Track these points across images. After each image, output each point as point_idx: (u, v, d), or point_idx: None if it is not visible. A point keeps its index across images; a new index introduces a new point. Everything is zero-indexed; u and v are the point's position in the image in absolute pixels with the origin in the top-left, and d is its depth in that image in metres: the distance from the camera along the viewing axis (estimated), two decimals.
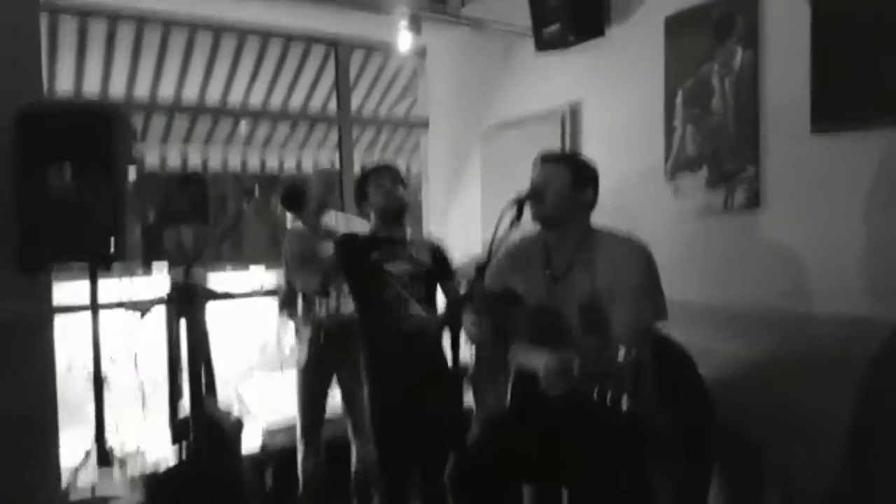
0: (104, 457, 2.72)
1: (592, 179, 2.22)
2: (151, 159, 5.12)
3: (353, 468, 3.41)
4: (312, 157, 5.77)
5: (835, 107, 2.33)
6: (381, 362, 2.81)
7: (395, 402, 2.79)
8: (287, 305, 3.61)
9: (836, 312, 2.37)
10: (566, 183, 2.14)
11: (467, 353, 2.39)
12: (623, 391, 1.53)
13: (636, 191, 3.10)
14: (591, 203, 2.22)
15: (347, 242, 2.86)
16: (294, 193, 3.08)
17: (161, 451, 3.23)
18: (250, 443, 3.46)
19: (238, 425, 2.83)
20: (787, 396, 2.51)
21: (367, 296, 2.83)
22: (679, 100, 2.94)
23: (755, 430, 2.61)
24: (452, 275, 2.88)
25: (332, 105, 5.04)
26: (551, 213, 2.15)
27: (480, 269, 1.94)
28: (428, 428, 2.70)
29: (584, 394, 1.64)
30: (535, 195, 2.11)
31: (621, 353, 1.57)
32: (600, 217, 2.26)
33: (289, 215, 3.37)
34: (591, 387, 1.62)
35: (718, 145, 2.78)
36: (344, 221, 3.51)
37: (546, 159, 2.23)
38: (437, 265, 2.86)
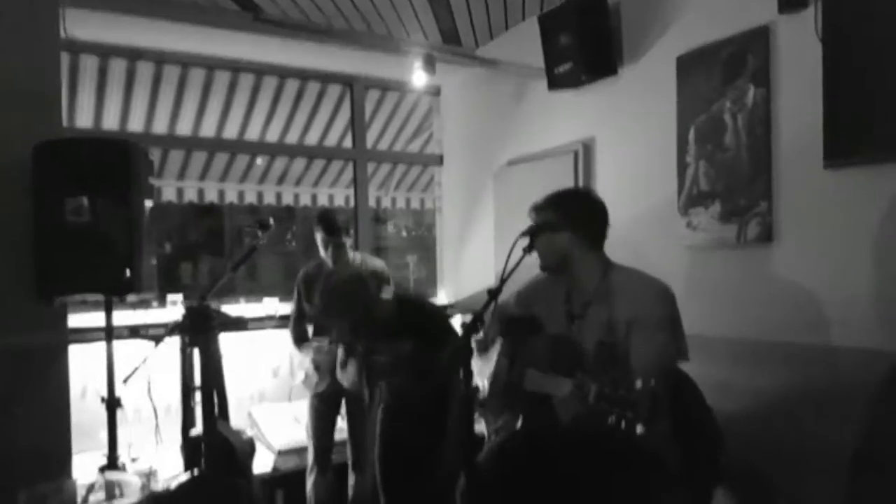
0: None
1: (584, 217, 2.17)
2: (168, 194, 5.18)
3: (350, 497, 3.44)
4: (328, 192, 5.85)
5: (847, 142, 2.34)
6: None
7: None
8: (300, 341, 3.62)
9: (849, 345, 2.35)
10: (554, 229, 2.13)
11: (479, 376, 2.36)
12: (638, 418, 1.52)
13: (649, 225, 3.11)
14: (593, 239, 2.17)
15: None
16: (330, 217, 3.40)
17: (173, 472, 3.25)
18: (262, 464, 3.45)
19: (250, 446, 2.82)
20: (802, 428, 2.48)
21: None
22: (692, 136, 2.96)
23: (765, 461, 2.57)
24: None
25: (348, 142, 5.11)
26: (550, 263, 2.17)
27: (492, 293, 1.93)
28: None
29: (598, 419, 1.62)
30: (545, 227, 2.11)
31: (639, 381, 1.56)
32: (614, 252, 2.25)
33: (319, 238, 3.43)
34: (607, 412, 1.60)
35: (731, 180, 2.79)
36: (360, 259, 3.55)
37: (532, 209, 2.23)
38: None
